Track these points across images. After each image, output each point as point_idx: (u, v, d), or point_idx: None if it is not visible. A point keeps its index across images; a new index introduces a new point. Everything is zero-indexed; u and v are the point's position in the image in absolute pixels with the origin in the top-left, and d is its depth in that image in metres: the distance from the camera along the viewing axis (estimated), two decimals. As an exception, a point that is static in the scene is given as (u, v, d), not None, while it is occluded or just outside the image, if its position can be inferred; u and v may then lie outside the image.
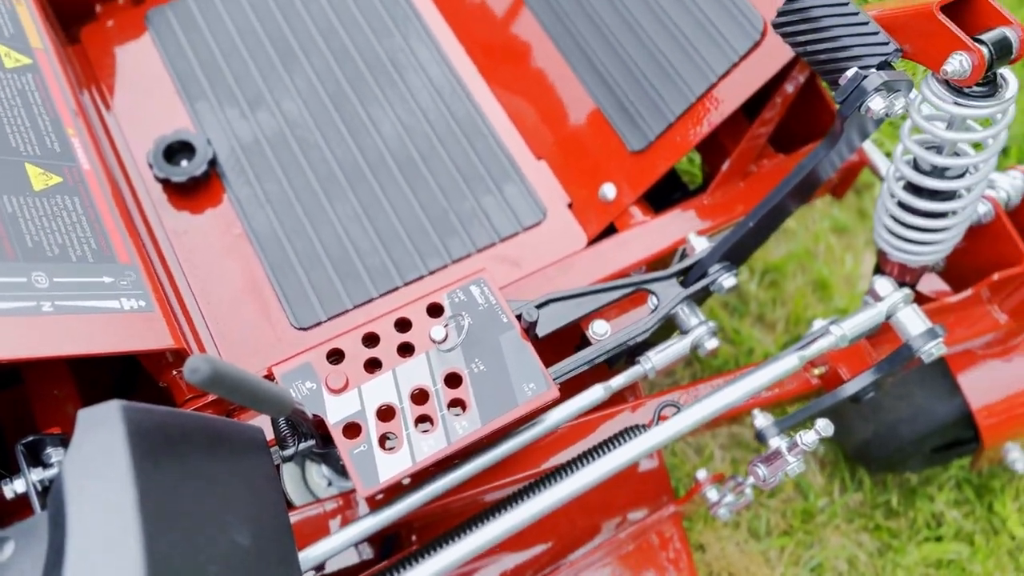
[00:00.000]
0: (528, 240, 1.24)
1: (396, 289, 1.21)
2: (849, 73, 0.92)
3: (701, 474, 1.25)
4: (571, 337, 1.22)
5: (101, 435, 0.71)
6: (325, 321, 1.18)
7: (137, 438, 0.72)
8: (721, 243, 1.07)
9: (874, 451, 1.51)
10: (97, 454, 0.71)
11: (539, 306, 1.05)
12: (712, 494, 1.23)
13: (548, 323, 1.07)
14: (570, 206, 1.26)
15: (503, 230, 1.25)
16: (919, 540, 1.63)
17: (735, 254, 1.08)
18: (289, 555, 0.86)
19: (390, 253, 1.23)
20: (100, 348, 0.86)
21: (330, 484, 1.31)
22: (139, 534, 0.67)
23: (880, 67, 0.92)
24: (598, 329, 1.17)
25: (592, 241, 1.23)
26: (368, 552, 1.31)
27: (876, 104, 0.90)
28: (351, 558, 1.31)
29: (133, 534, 0.67)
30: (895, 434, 1.44)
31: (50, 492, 0.71)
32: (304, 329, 1.17)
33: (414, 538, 1.20)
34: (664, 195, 1.33)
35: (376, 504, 1.14)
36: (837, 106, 0.93)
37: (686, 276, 1.10)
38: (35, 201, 0.93)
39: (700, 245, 1.10)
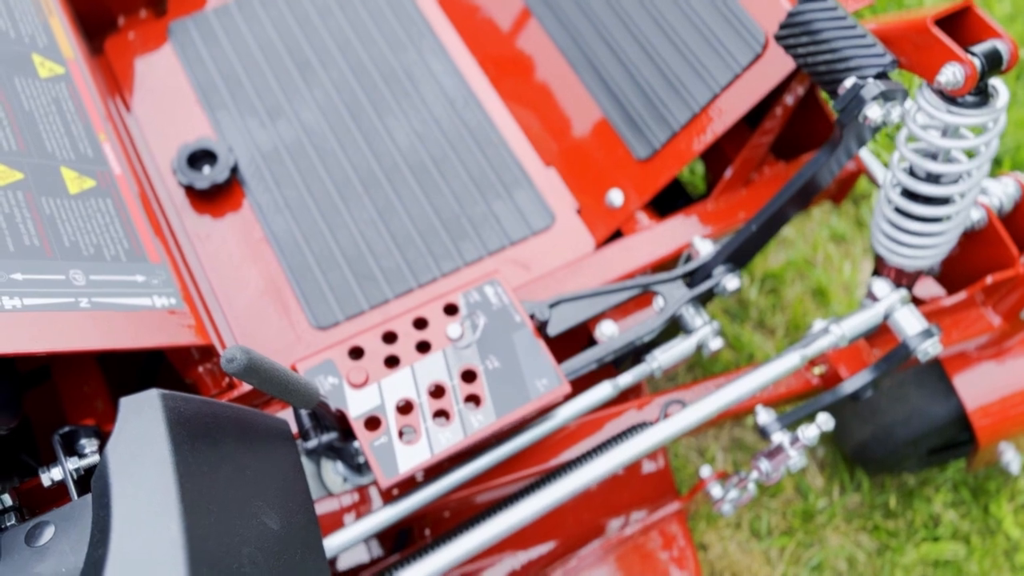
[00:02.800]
0: (538, 244, 1.29)
1: (411, 291, 1.25)
2: (848, 83, 0.96)
3: (705, 471, 1.29)
4: (578, 338, 1.26)
5: (142, 421, 0.76)
6: (343, 321, 1.22)
7: (175, 424, 0.76)
8: (725, 246, 1.11)
9: (872, 452, 1.55)
10: (139, 439, 0.75)
11: (551, 306, 1.10)
12: (716, 490, 1.27)
13: (559, 323, 1.12)
14: (578, 211, 1.31)
15: (514, 234, 1.29)
16: (917, 540, 1.67)
17: (738, 257, 1.12)
18: (314, 540, 0.90)
19: (404, 255, 1.27)
20: (134, 343, 0.90)
21: (345, 480, 1.35)
22: (179, 514, 0.71)
23: (877, 77, 0.97)
24: (606, 329, 1.22)
25: (600, 245, 1.28)
26: (378, 550, 1.35)
27: (873, 112, 0.95)
28: (362, 555, 1.35)
29: (173, 514, 0.71)
30: (892, 436, 1.48)
31: (94, 474, 0.75)
32: (323, 328, 1.21)
33: (428, 532, 1.24)
34: (667, 203, 1.37)
35: (392, 497, 1.18)
36: (836, 114, 0.98)
37: (692, 278, 1.15)
38: (71, 203, 0.97)
39: (705, 248, 1.15)
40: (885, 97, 0.95)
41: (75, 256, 0.93)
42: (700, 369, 1.81)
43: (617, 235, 1.28)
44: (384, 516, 1.06)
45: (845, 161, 1.04)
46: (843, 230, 1.96)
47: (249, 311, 1.22)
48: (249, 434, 0.88)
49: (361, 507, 1.25)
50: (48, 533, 0.83)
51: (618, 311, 1.23)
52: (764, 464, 1.10)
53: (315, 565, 0.89)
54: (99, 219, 0.99)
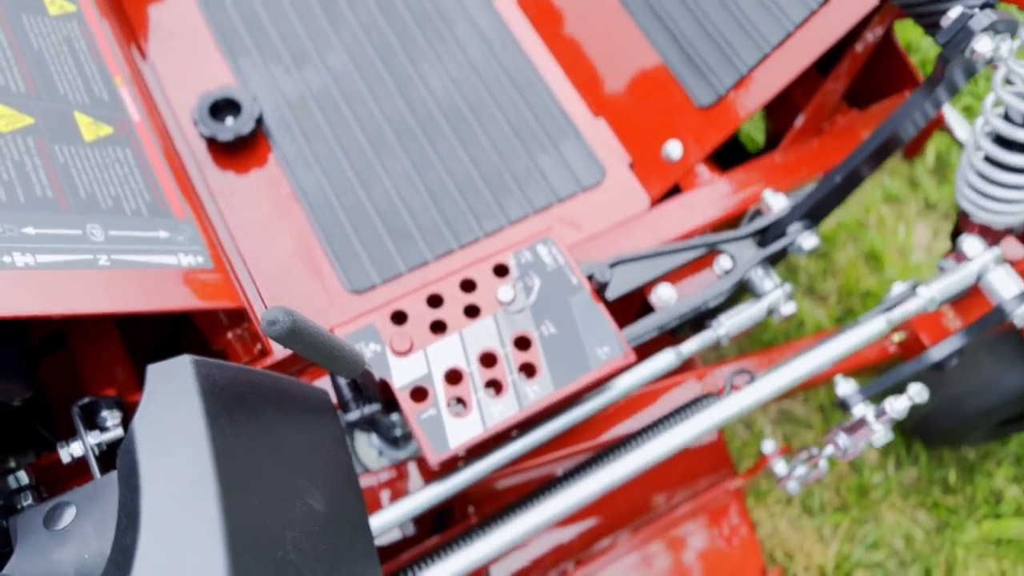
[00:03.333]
0: (588, 201, 1.19)
1: (451, 251, 1.16)
2: (953, 13, 0.86)
3: (767, 446, 1.20)
4: (626, 304, 1.17)
5: (173, 391, 0.67)
6: (379, 284, 1.13)
7: (210, 394, 0.68)
8: (803, 201, 1.01)
9: (935, 424, 1.46)
10: (169, 411, 0.66)
11: (611, 267, 1.00)
12: (780, 467, 1.18)
13: (618, 285, 1.02)
14: (631, 165, 1.21)
15: (561, 190, 1.20)
16: (978, 517, 1.58)
17: (816, 212, 1.02)
18: (362, 521, 0.82)
19: (443, 213, 1.18)
20: (160, 305, 0.81)
21: (381, 454, 1.26)
22: (216, 496, 0.63)
23: (983, 7, 0.87)
24: (662, 293, 1.12)
25: (655, 202, 1.18)
26: (410, 528, 1.27)
27: (983, 45, 0.84)
28: (392, 534, 1.27)
29: (210, 496, 0.63)
30: (960, 407, 1.39)
31: (120, 451, 0.67)
32: (358, 292, 1.12)
33: (471, 510, 1.16)
34: (722, 159, 1.27)
35: (436, 474, 1.10)
36: (940, 47, 0.87)
37: (763, 236, 1.05)
38: (86, 152, 0.88)
39: (778, 203, 1.05)
40: (995, 29, 0.85)
41: (92, 209, 0.84)
42: (746, 339, 1.71)
43: (674, 192, 1.18)
44: (430, 494, 0.98)
45: (946, 100, 0.93)
46: (896, 191, 1.85)
47: (278, 273, 1.13)
48: (289, 405, 0.79)
49: (397, 483, 1.17)
50: (69, 515, 0.75)
51: (673, 274, 1.13)
52: (842, 439, 1.01)
53: (363, 549, 0.81)
54: (117, 169, 0.89)
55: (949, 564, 1.55)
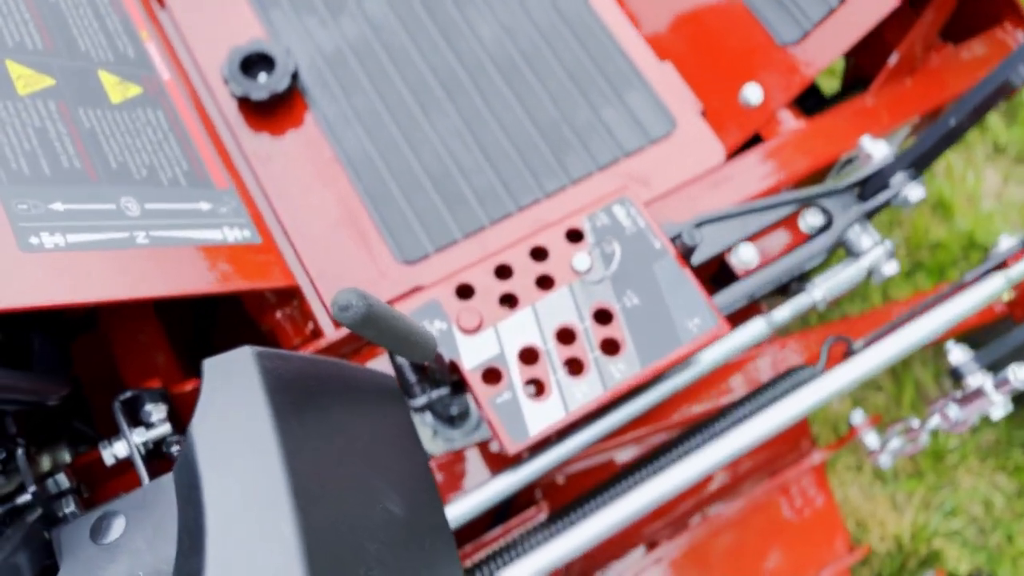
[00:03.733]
0: (657, 155, 1.08)
1: (509, 215, 1.06)
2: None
3: (856, 417, 1.11)
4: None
5: (234, 389, 0.58)
6: (432, 253, 1.04)
7: (276, 391, 0.59)
8: (911, 148, 0.91)
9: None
10: (232, 412, 0.57)
11: (696, 227, 0.90)
12: (871, 439, 1.09)
13: (702, 249, 0.92)
14: (703, 113, 1.10)
15: (627, 144, 1.09)
16: (1062, 480, 1.49)
17: (924, 160, 0.92)
18: (441, 524, 0.73)
19: (499, 173, 1.08)
20: (208, 286, 0.72)
21: (435, 434, 1.18)
22: (291, 510, 0.54)
23: None
24: (744, 255, 1.02)
25: (732, 153, 1.08)
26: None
27: None
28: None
29: (285, 510, 0.54)
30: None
31: (177, 461, 0.58)
32: (410, 263, 1.03)
33: (538, 495, 1.08)
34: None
35: (497, 459, 1.02)
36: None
37: (863, 188, 0.94)
38: (114, 115, 0.78)
39: (879, 151, 0.94)
40: None
41: (125, 180, 0.74)
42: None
43: (754, 142, 1.07)
44: (501, 485, 0.89)
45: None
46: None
47: (322, 244, 1.03)
48: (358, 397, 0.70)
49: (455, 467, 1.09)
50: (118, 526, 0.67)
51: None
52: (953, 411, 0.92)
53: (444, 553, 0.72)
54: (150, 134, 0.80)
55: (1031, 530, 1.46)
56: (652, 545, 1.16)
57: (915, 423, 1.01)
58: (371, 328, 0.60)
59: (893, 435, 1.06)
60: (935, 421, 0.95)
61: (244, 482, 0.55)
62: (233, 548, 0.54)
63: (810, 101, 1.22)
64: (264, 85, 1.06)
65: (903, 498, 1.48)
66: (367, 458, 0.67)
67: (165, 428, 0.76)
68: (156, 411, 0.78)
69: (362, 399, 0.70)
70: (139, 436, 0.75)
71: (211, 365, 0.59)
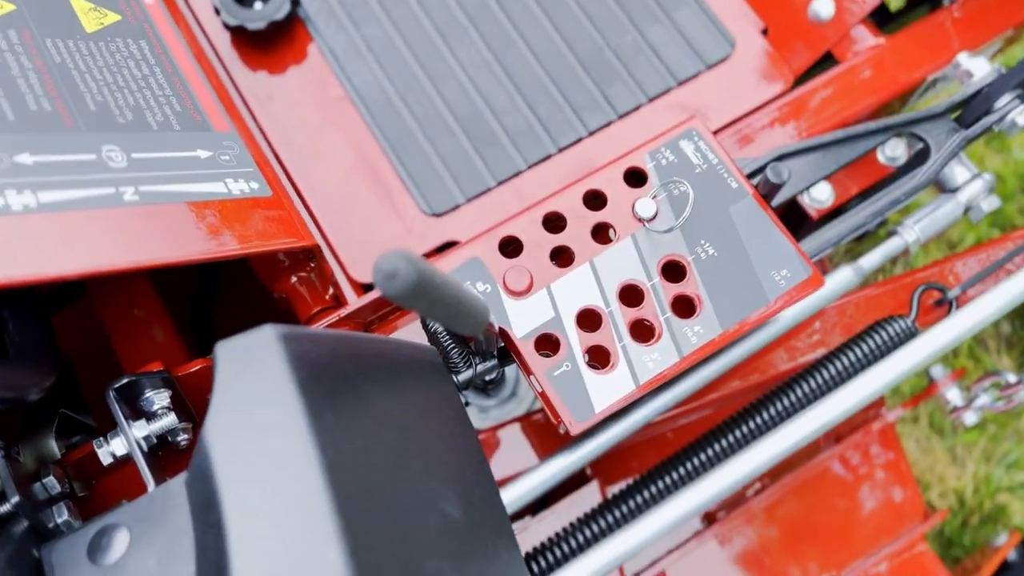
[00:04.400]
0: (714, 82, 0.95)
1: (549, 157, 0.93)
2: None
3: (937, 370, 1.00)
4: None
5: (258, 381, 0.46)
6: (463, 203, 0.91)
7: (309, 381, 0.47)
8: (1020, 66, 0.78)
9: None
10: (256, 412, 0.46)
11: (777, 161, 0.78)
12: (953, 395, 0.98)
13: (783, 188, 0.80)
14: (765, 32, 0.96)
15: (679, 71, 0.96)
16: None
17: (1036, 78, 0.79)
18: (501, 518, 0.62)
19: (535, 110, 0.95)
20: (213, 250, 0.60)
21: (467, 404, 1.07)
22: (338, 535, 0.43)
23: None
24: (819, 194, 0.90)
25: (799, 78, 0.94)
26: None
27: None
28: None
29: (331, 537, 0.43)
30: None
31: (190, 470, 0.47)
32: (439, 215, 0.90)
33: (589, 471, 0.97)
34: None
35: (543, 436, 0.91)
36: None
37: (963, 112, 0.82)
38: (89, 47, 0.65)
39: (981, 70, 0.81)
40: None
41: (106, 124, 0.61)
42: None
43: (826, 61, 0.94)
44: (559, 465, 0.79)
45: None
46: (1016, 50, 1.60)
47: (337, 197, 0.91)
48: (401, 378, 0.58)
49: (491, 441, 0.99)
50: (120, 542, 0.56)
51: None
52: (1066, 365, 0.80)
53: (508, 553, 0.61)
54: (133, 69, 0.66)
55: (1100, 482, 1.37)
56: (709, 518, 1.06)
57: (1011, 377, 0.90)
58: (422, 299, 0.48)
59: (980, 391, 0.95)
60: (1042, 377, 0.85)
61: (276, 499, 0.44)
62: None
63: (876, 18, 1.09)
64: (261, 13, 0.92)
65: (963, 451, 1.38)
66: (417, 453, 0.55)
67: (170, 419, 0.65)
68: (158, 398, 0.66)
69: (406, 380, 0.59)
70: (140, 430, 0.63)
71: (226, 351, 0.47)
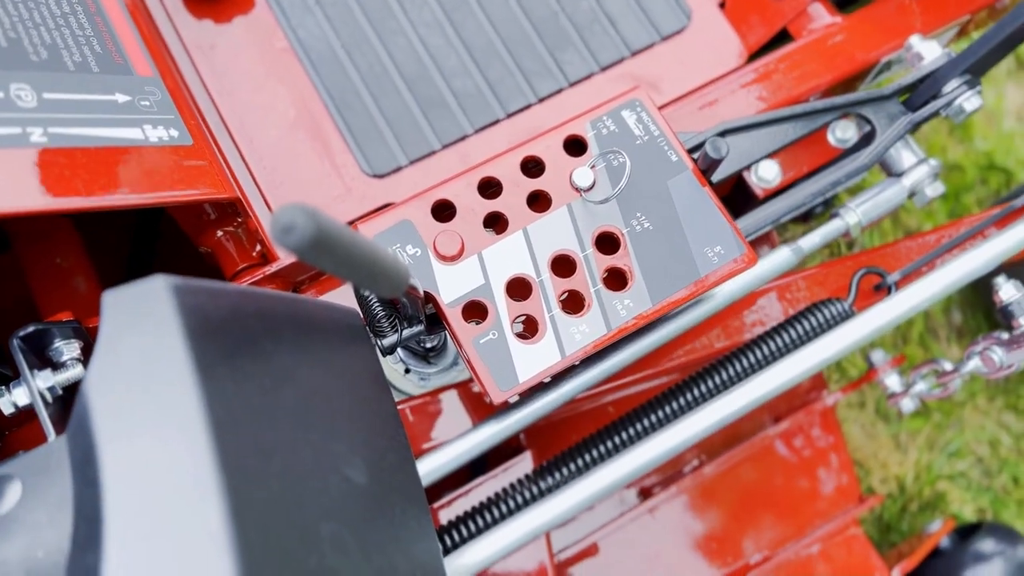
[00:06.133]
0: (668, 53, 0.94)
1: (497, 122, 0.91)
2: None
3: (877, 356, 1.00)
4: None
5: (144, 330, 0.44)
6: (406, 166, 0.89)
7: (201, 335, 0.45)
8: (969, 50, 0.77)
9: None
10: (140, 363, 0.44)
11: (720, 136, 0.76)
12: (892, 381, 0.98)
13: (725, 163, 0.79)
14: (722, 6, 0.95)
15: (633, 40, 0.94)
16: (1072, 421, 1.41)
17: (983, 64, 0.78)
18: (413, 486, 0.61)
19: (484, 74, 0.93)
20: (123, 198, 0.58)
21: (408, 372, 1.06)
22: (222, 494, 0.41)
23: None
24: (765, 173, 0.89)
25: (754, 53, 0.93)
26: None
27: None
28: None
29: (213, 495, 0.41)
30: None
31: (69, 427, 0.45)
32: (380, 176, 0.89)
33: (523, 438, 0.96)
34: None
35: (476, 400, 0.90)
36: None
37: (911, 96, 0.81)
38: (3, -21, 0.62)
39: (931, 52, 0.80)
40: None
41: (17, 62, 0.59)
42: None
43: (781, 39, 0.93)
44: (485, 434, 0.78)
45: None
46: (988, 47, 1.59)
47: (276, 152, 0.88)
48: (313, 339, 0.57)
49: (428, 409, 0.97)
50: (12, 494, 0.54)
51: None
52: (997, 353, 0.81)
53: (418, 523, 0.61)
54: (52, 6, 0.63)
55: (1037, 472, 1.39)
56: (645, 493, 1.06)
57: (947, 365, 0.90)
58: (324, 255, 0.46)
59: (918, 378, 0.95)
60: (973, 364, 0.84)
61: (156, 455, 0.42)
62: (143, 543, 0.41)
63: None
64: (205, -41, 0.89)
65: (906, 437, 1.39)
66: (323, 416, 0.54)
67: (78, 370, 0.63)
68: (68, 349, 0.64)
69: (318, 342, 0.57)
70: (44, 380, 0.61)
71: (114, 299, 0.45)
